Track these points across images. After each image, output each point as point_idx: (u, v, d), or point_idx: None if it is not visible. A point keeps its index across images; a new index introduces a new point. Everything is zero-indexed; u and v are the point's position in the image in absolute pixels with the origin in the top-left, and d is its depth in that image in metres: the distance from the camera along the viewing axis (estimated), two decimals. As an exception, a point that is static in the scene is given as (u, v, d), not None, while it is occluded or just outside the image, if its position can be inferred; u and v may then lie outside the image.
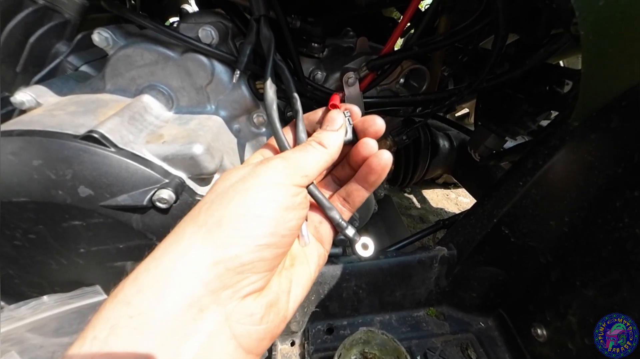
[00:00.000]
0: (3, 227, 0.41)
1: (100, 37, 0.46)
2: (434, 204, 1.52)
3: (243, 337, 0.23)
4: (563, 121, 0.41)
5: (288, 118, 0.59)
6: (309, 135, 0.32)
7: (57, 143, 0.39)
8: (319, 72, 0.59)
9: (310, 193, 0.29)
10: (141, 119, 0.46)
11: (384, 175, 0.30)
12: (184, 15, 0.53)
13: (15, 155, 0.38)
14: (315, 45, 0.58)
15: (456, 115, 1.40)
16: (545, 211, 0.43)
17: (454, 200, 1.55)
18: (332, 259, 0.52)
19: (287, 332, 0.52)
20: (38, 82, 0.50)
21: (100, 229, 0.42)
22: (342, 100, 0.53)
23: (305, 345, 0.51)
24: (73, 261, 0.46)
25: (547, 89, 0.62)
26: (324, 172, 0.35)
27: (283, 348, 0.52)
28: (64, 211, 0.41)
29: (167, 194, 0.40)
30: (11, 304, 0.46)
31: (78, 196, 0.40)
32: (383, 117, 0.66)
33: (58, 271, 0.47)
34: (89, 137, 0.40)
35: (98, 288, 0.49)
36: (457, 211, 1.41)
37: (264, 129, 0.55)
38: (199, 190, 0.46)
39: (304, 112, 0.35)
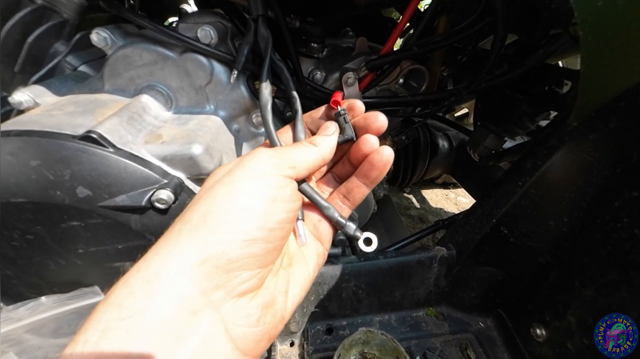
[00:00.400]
0: (1, 228, 0.41)
1: (98, 37, 0.46)
2: (433, 204, 1.52)
3: (240, 339, 0.22)
4: (562, 121, 0.42)
5: (287, 118, 0.59)
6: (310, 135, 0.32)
7: (55, 143, 0.39)
8: (318, 72, 0.59)
9: (304, 192, 0.29)
10: (140, 119, 0.46)
11: (385, 171, 0.30)
12: (183, 15, 0.53)
13: (13, 156, 0.38)
14: (315, 45, 0.58)
15: (455, 115, 1.40)
16: (544, 211, 0.43)
17: (453, 200, 1.55)
18: (331, 259, 0.52)
19: (286, 332, 0.52)
20: (36, 82, 0.50)
21: (98, 230, 0.42)
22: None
23: (305, 345, 0.51)
24: (71, 262, 0.45)
25: (546, 89, 0.63)
26: (323, 170, 0.35)
27: (282, 348, 0.52)
28: (63, 212, 0.41)
29: (165, 194, 0.40)
30: (9, 305, 0.46)
31: (76, 197, 0.40)
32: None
33: (56, 272, 0.46)
34: (87, 137, 0.40)
35: (97, 288, 0.49)
36: (457, 212, 1.41)
37: (262, 129, 0.55)
38: (198, 190, 0.46)
39: (304, 111, 0.35)
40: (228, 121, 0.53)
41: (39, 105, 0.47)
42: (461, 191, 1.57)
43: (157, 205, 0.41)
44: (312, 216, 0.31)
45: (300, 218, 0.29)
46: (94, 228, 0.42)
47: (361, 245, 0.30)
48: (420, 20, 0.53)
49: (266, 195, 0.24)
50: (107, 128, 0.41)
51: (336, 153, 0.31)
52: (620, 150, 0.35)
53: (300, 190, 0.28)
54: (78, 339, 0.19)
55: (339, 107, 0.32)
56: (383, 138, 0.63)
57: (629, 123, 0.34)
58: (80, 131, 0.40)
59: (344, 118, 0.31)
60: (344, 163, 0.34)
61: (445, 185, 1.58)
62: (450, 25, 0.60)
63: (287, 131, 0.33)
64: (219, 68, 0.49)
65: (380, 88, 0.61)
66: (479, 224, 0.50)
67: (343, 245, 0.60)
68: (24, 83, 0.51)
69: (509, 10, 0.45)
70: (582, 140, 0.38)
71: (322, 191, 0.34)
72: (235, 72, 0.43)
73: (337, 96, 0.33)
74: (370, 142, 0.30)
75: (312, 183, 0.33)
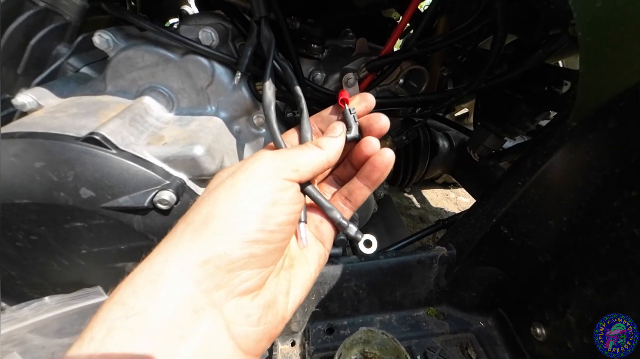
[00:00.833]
0: (5, 229, 0.41)
1: (100, 39, 0.47)
2: (433, 204, 1.52)
3: (241, 338, 0.23)
4: (561, 121, 0.42)
5: (288, 119, 0.59)
6: (315, 136, 0.32)
7: (58, 145, 0.39)
8: (319, 73, 0.59)
9: (308, 194, 0.29)
10: (142, 121, 0.46)
11: (387, 173, 0.30)
12: (184, 17, 0.54)
13: (17, 157, 0.39)
14: (315, 46, 0.58)
15: (455, 115, 1.40)
16: (543, 211, 0.44)
17: (454, 200, 1.55)
18: (332, 259, 0.52)
19: (287, 332, 0.53)
20: (39, 84, 0.50)
21: (101, 230, 0.43)
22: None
23: (306, 345, 0.51)
24: (74, 263, 0.46)
25: (546, 89, 0.63)
26: (326, 173, 0.35)
27: (283, 348, 0.52)
28: (66, 213, 0.41)
29: (168, 195, 0.41)
30: (13, 305, 0.47)
31: (80, 198, 0.40)
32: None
33: (60, 272, 0.47)
34: (90, 139, 0.40)
35: (99, 288, 0.49)
36: (457, 211, 1.41)
37: (264, 130, 0.55)
38: (200, 191, 0.47)
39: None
40: (229, 122, 0.53)
41: (42, 107, 0.47)
42: (461, 191, 1.57)
43: (160, 205, 0.41)
44: (315, 217, 0.31)
45: (302, 220, 0.29)
46: (97, 229, 0.43)
47: (361, 246, 0.31)
48: (420, 20, 0.53)
49: (266, 199, 0.24)
50: (110, 129, 0.41)
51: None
52: (620, 150, 0.35)
53: (304, 192, 0.29)
54: (84, 337, 0.19)
55: (346, 105, 0.32)
56: (383, 139, 0.63)
57: (628, 123, 0.34)
58: (83, 133, 0.41)
59: (354, 117, 0.32)
60: (345, 166, 0.34)
61: (446, 185, 1.58)
62: (450, 26, 0.60)
63: (292, 132, 0.33)
64: (220, 69, 0.49)
65: (381, 88, 0.61)
66: (479, 224, 0.50)
67: (344, 245, 0.61)
68: (27, 85, 0.52)
69: (508, 11, 0.45)
70: (581, 140, 0.39)
71: (324, 193, 0.34)
72: (239, 73, 0.43)
73: (345, 94, 0.33)
74: (371, 144, 0.30)
75: (315, 185, 0.33)
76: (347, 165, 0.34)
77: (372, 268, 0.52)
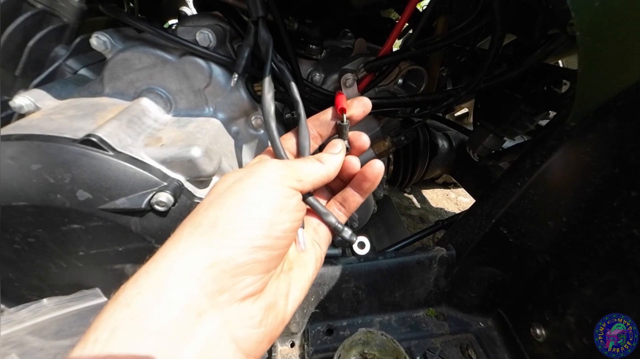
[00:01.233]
0: (3, 231, 0.41)
1: (98, 40, 0.46)
2: (433, 204, 1.52)
3: (242, 340, 0.23)
4: (560, 121, 0.42)
5: (286, 120, 0.59)
6: (314, 140, 0.34)
7: (55, 147, 0.39)
8: (317, 74, 0.59)
9: (307, 202, 0.31)
10: (139, 122, 0.46)
11: (377, 182, 0.33)
12: (182, 18, 0.54)
13: (14, 159, 0.39)
14: (313, 47, 0.58)
15: (455, 115, 1.40)
16: (543, 211, 0.43)
17: (454, 200, 1.55)
18: (331, 260, 0.52)
19: (286, 333, 0.53)
20: (37, 86, 0.50)
21: (99, 232, 0.43)
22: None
23: (305, 346, 0.51)
24: (72, 264, 0.46)
25: (545, 89, 0.63)
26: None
27: (283, 349, 0.52)
28: (63, 215, 0.41)
29: (165, 197, 0.41)
30: (11, 307, 0.47)
31: (77, 200, 0.40)
32: (381, 118, 0.66)
33: (58, 275, 0.47)
34: (87, 141, 0.40)
35: (97, 290, 0.49)
36: (457, 211, 1.41)
37: (262, 131, 0.55)
38: (198, 192, 0.46)
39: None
40: (227, 123, 0.53)
41: (40, 108, 0.47)
42: (461, 191, 1.57)
43: (157, 207, 0.41)
44: (312, 220, 0.33)
45: (300, 226, 0.30)
46: (95, 231, 0.42)
47: (355, 248, 0.33)
48: (418, 20, 0.53)
49: (273, 205, 0.25)
50: (107, 131, 0.41)
51: None
52: (619, 150, 0.35)
53: (305, 201, 0.30)
54: (88, 338, 0.19)
55: (338, 121, 0.34)
56: (382, 139, 0.63)
57: (627, 123, 0.34)
58: (81, 135, 0.41)
59: (345, 128, 0.33)
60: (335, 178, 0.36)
61: (446, 185, 1.58)
62: (449, 26, 0.60)
63: (291, 138, 0.34)
64: (217, 71, 0.49)
65: (379, 89, 0.61)
66: (478, 224, 0.50)
67: (343, 246, 0.61)
68: (25, 87, 0.51)
69: (506, 11, 0.45)
70: (580, 140, 0.38)
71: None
72: (236, 75, 0.43)
73: (342, 100, 0.34)
74: (351, 163, 0.33)
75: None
76: (336, 178, 0.35)
77: (371, 268, 0.52)
